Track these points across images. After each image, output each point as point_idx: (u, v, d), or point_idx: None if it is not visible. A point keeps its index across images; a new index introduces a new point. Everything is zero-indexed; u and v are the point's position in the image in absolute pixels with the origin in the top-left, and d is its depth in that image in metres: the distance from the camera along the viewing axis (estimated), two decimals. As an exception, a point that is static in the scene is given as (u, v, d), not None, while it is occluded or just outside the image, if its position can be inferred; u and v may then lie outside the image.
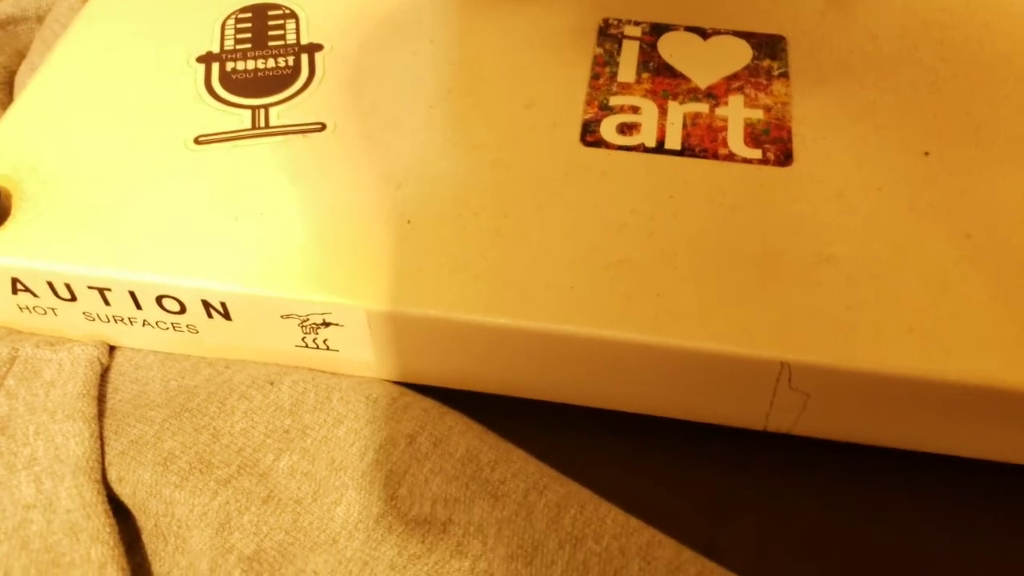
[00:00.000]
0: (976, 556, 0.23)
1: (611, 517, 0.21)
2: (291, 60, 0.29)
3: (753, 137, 0.26)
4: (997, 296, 0.23)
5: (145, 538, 0.23)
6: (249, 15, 0.30)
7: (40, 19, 0.36)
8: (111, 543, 0.21)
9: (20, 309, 0.25)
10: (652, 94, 0.28)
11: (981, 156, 0.26)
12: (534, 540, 0.21)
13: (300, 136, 0.27)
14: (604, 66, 0.29)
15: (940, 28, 0.30)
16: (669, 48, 0.29)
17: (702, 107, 0.27)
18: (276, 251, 0.24)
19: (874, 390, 0.22)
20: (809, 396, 0.23)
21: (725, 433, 0.24)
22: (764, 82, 0.28)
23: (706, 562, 0.21)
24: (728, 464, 0.25)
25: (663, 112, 0.27)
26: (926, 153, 0.26)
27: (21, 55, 0.36)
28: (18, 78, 0.34)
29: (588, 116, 0.27)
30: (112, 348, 0.26)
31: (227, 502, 0.22)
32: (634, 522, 0.21)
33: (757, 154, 0.26)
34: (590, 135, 0.27)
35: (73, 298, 0.24)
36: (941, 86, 0.28)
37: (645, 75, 0.28)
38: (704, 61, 0.29)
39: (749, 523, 0.23)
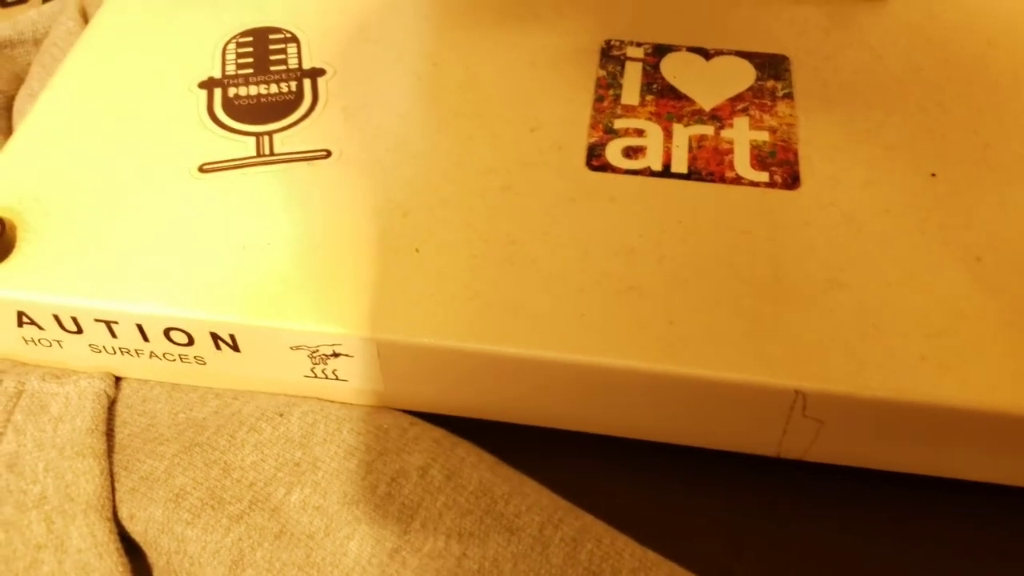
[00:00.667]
0: (991, 580, 0.23)
1: (628, 551, 0.21)
2: (293, 85, 0.29)
3: (760, 160, 0.26)
4: (1012, 321, 0.23)
5: None
6: (250, 39, 0.30)
7: (37, 42, 0.36)
8: (123, 583, 0.21)
9: (25, 342, 0.25)
10: (656, 116, 0.28)
11: (990, 176, 0.26)
12: (550, 575, 0.21)
13: (305, 163, 0.26)
14: (608, 88, 0.29)
15: (945, 46, 0.30)
16: (672, 69, 0.29)
17: (707, 129, 0.27)
18: (285, 281, 0.24)
19: (888, 417, 0.22)
20: (823, 423, 0.23)
21: (738, 460, 0.24)
22: (769, 103, 0.28)
23: (725, 595, 0.21)
24: (742, 491, 0.24)
25: (668, 135, 0.27)
26: (933, 174, 0.26)
27: (18, 79, 0.36)
28: (17, 104, 0.33)
29: (593, 139, 0.27)
30: (118, 379, 0.26)
31: (240, 539, 0.22)
32: (651, 556, 0.21)
33: (764, 177, 0.26)
34: (596, 159, 0.27)
35: (79, 331, 0.24)
36: (948, 105, 0.28)
37: (649, 97, 0.28)
38: (708, 82, 0.29)
39: (764, 551, 0.23)
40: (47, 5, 0.37)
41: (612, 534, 0.22)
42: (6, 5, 0.42)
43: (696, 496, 0.24)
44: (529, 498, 0.22)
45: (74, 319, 0.24)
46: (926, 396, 0.22)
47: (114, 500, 0.22)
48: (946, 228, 0.25)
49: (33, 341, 0.25)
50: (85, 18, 0.35)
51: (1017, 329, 0.22)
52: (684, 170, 0.26)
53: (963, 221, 0.25)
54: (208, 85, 0.29)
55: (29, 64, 0.36)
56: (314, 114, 0.28)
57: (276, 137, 0.27)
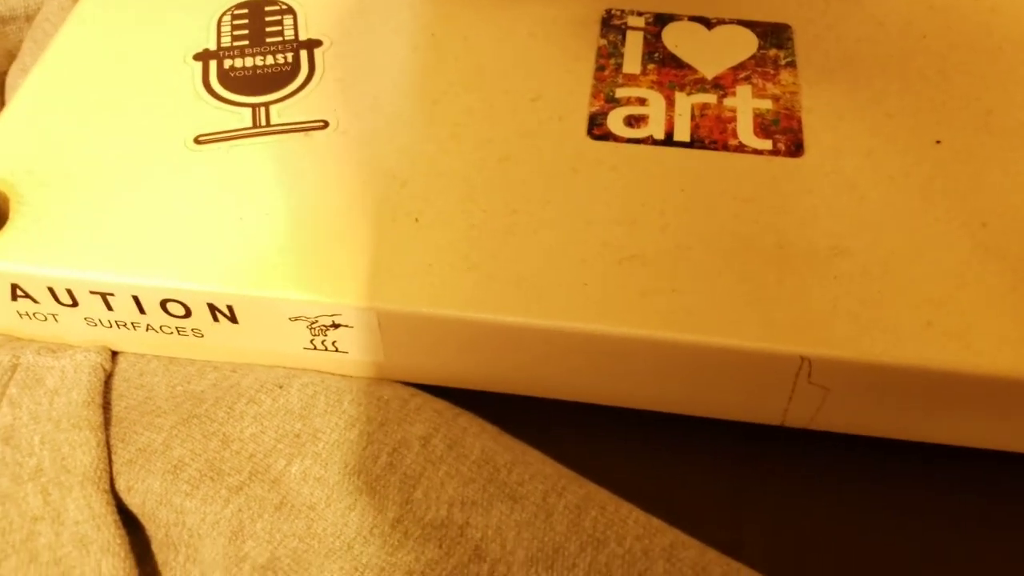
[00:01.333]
0: (996, 550, 0.23)
1: (633, 518, 0.21)
2: (290, 57, 0.28)
3: (763, 128, 0.26)
4: (1016, 287, 0.22)
5: (155, 548, 0.22)
6: (246, 11, 0.30)
7: (29, 19, 0.36)
8: (122, 555, 0.21)
9: (20, 316, 0.25)
10: (659, 85, 0.27)
11: (993, 143, 0.26)
12: (554, 543, 0.21)
13: (302, 134, 0.26)
14: (609, 58, 0.28)
15: (947, 13, 0.29)
16: (674, 38, 0.29)
17: (710, 98, 0.27)
18: (283, 252, 0.23)
19: (894, 383, 0.22)
20: (828, 390, 0.22)
21: (742, 429, 0.24)
22: (771, 71, 0.28)
23: (731, 562, 0.21)
24: (746, 461, 0.24)
25: (670, 104, 0.27)
26: (938, 141, 0.26)
27: (11, 55, 0.35)
28: (9, 79, 0.33)
29: (594, 109, 0.27)
30: (114, 353, 0.25)
31: (239, 510, 0.21)
32: (656, 522, 0.21)
33: (768, 145, 0.26)
34: (597, 128, 0.26)
35: (75, 304, 0.24)
36: (950, 73, 0.28)
37: (651, 66, 0.28)
38: (710, 51, 0.28)
39: (769, 521, 0.23)
40: (39, -19, 0.36)
41: (616, 501, 0.21)
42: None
43: (700, 466, 0.24)
44: (532, 467, 0.22)
45: (69, 292, 0.24)
46: (931, 362, 0.21)
47: (111, 472, 0.22)
48: (950, 195, 0.25)
49: (28, 315, 0.25)
50: (77, -7, 0.34)
51: (1021, 294, 0.22)
52: (687, 138, 0.26)
53: (967, 187, 0.25)
54: (203, 57, 0.28)
55: (21, 41, 0.35)
56: (311, 85, 0.28)
57: (272, 108, 0.27)
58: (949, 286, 0.23)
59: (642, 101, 0.27)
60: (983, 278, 0.23)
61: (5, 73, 0.34)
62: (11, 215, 0.24)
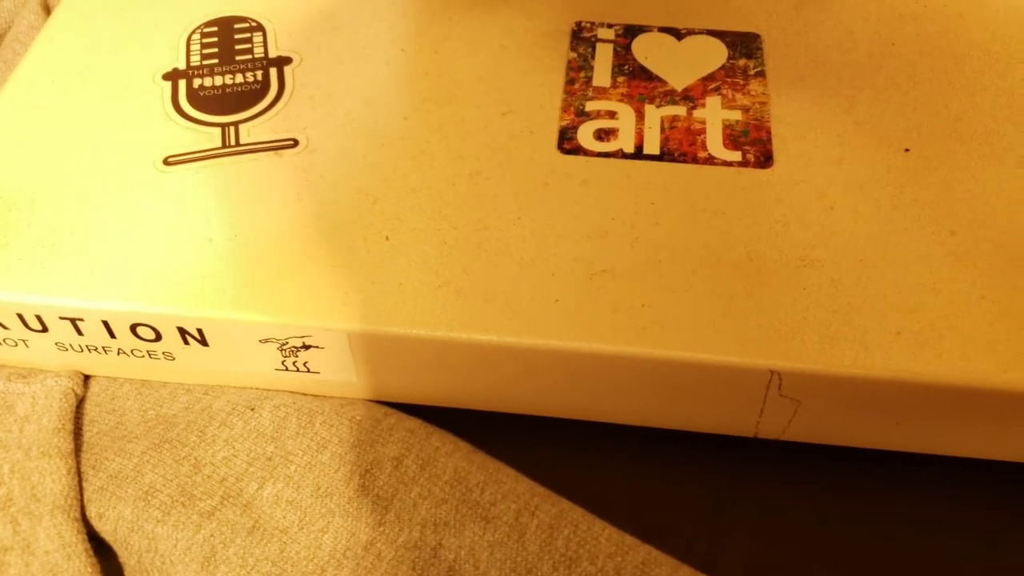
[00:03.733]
0: (970, 554, 0.23)
1: (605, 536, 0.21)
2: (259, 75, 0.28)
3: (732, 139, 0.26)
4: (985, 295, 0.22)
5: (128, 575, 0.22)
6: (215, 29, 0.30)
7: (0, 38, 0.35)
8: (93, 583, 0.21)
9: (-10, 342, 0.25)
10: (628, 98, 0.27)
11: (961, 150, 0.26)
12: (527, 563, 0.21)
13: (272, 153, 0.26)
14: (579, 71, 0.28)
15: (916, 21, 0.29)
16: (644, 50, 0.29)
17: (679, 110, 0.27)
18: (252, 274, 0.23)
19: (865, 394, 0.22)
20: (800, 402, 0.22)
21: (717, 442, 0.24)
22: (741, 82, 0.28)
23: (703, 578, 0.21)
24: (723, 473, 0.24)
25: (640, 116, 0.27)
26: (907, 149, 0.26)
27: (-19, 75, 0.35)
28: (-21, 100, 0.33)
29: (565, 123, 0.27)
30: (87, 377, 0.25)
31: (211, 535, 0.21)
32: (629, 540, 0.21)
33: (737, 156, 0.26)
34: (567, 142, 0.26)
35: (44, 329, 0.24)
36: (919, 80, 0.28)
37: (620, 79, 0.28)
38: (679, 62, 0.29)
39: (745, 534, 0.23)
40: (9, 0, 0.36)
41: (589, 519, 0.21)
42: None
43: (675, 479, 0.24)
44: (505, 486, 0.22)
45: (38, 317, 0.23)
46: (902, 372, 0.21)
47: (82, 500, 0.22)
48: (919, 203, 0.25)
49: (-2, 341, 0.25)
50: (48, 11, 0.34)
51: (991, 302, 0.22)
52: (656, 151, 0.26)
53: (936, 196, 0.25)
54: (172, 76, 0.28)
55: (-8, 60, 0.35)
56: (280, 103, 0.27)
57: (242, 127, 0.27)
58: (918, 295, 0.23)
59: (612, 114, 0.27)
60: (952, 287, 0.23)
61: (-25, 94, 0.34)
62: (-22, 241, 0.24)
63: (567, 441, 0.25)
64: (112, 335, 0.24)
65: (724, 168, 0.25)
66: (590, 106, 0.27)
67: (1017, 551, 0.23)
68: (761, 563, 0.23)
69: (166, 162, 0.26)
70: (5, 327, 0.24)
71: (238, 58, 0.29)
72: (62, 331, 0.24)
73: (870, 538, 0.23)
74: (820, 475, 0.24)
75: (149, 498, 0.22)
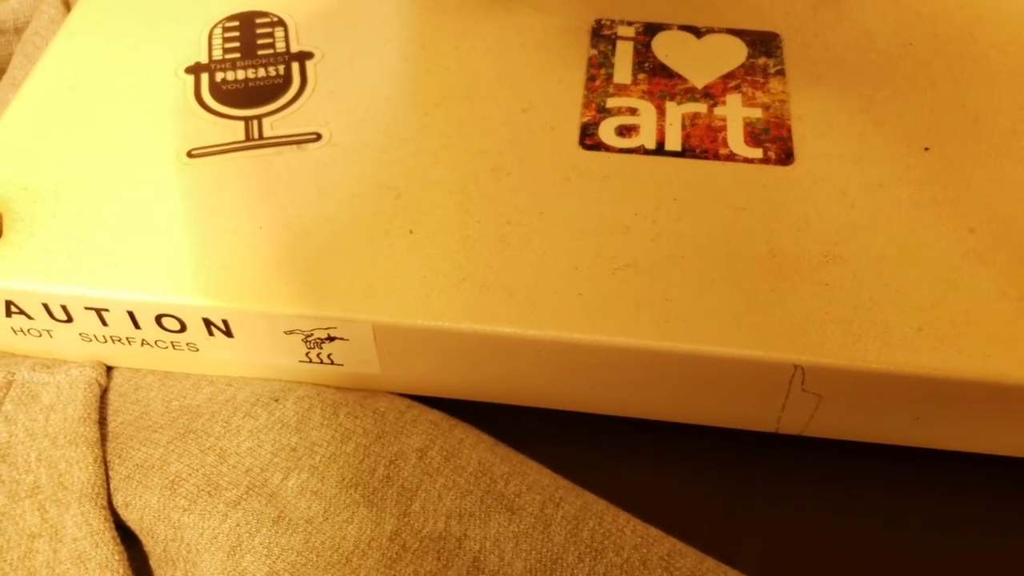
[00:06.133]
0: (987, 550, 0.23)
1: (630, 528, 0.21)
2: (281, 69, 0.28)
3: (753, 136, 0.26)
4: (1005, 292, 0.23)
5: (153, 564, 0.22)
6: (236, 23, 0.30)
7: (18, 31, 0.36)
8: (120, 571, 0.21)
9: (14, 332, 0.25)
10: (649, 95, 0.28)
11: (980, 149, 0.26)
12: (552, 554, 0.21)
13: (295, 147, 0.26)
14: (599, 68, 0.28)
15: (933, 21, 0.30)
16: (664, 48, 0.29)
17: (700, 107, 0.27)
18: (278, 265, 0.23)
19: (886, 389, 0.22)
20: (821, 397, 0.22)
21: (736, 438, 0.24)
22: (761, 80, 0.28)
23: (728, 570, 0.21)
24: (742, 468, 0.24)
25: (661, 113, 0.27)
26: (926, 148, 0.26)
27: (0, 69, 0.35)
28: (-1, 93, 0.33)
29: (586, 119, 0.27)
30: (109, 368, 0.25)
31: (237, 524, 0.21)
32: (653, 532, 0.21)
33: (758, 153, 0.26)
34: (589, 138, 0.26)
35: (69, 319, 0.24)
36: (937, 80, 0.28)
37: (641, 76, 0.28)
38: (699, 60, 0.29)
39: (761, 529, 0.23)
40: (28, -6, 0.36)
41: (613, 511, 0.22)
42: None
43: (696, 474, 0.24)
44: (529, 477, 0.22)
45: (64, 307, 0.24)
46: (923, 367, 0.22)
47: (108, 488, 0.22)
48: (938, 201, 0.25)
49: (22, 331, 0.25)
50: (67, 6, 0.34)
51: (1010, 299, 0.23)
52: (678, 148, 0.26)
53: (955, 194, 0.25)
54: (195, 70, 0.28)
55: (11, 54, 0.35)
56: (303, 97, 0.28)
57: (265, 121, 0.27)
58: (939, 291, 0.23)
59: (633, 111, 0.27)
60: (972, 283, 0.23)
61: (-5, 87, 0.34)
62: (5, 231, 0.24)
63: (585, 435, 0.25)
64: (137, 326, 0.24)
65: (745, 165, 0.26)
66: (611, 103, 0.27)
67: (1035, 547, 0.23)
68: (776, 558, 0.23)
69: (190, 155, 0.26)
70: (30, 317, 0.24)
71: (260, 52, 0.29)
72: (87, 321, 0.24)
73: (885, 534, 0.24)
74: (836, 471, 0.25)
75: (175, 487, 0.22)
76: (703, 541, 0.22)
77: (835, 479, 0.24)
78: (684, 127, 0.27)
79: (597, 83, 0.28)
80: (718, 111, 0.27)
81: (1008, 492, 0.24)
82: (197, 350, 0.24)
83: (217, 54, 0.29)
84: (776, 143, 0.26)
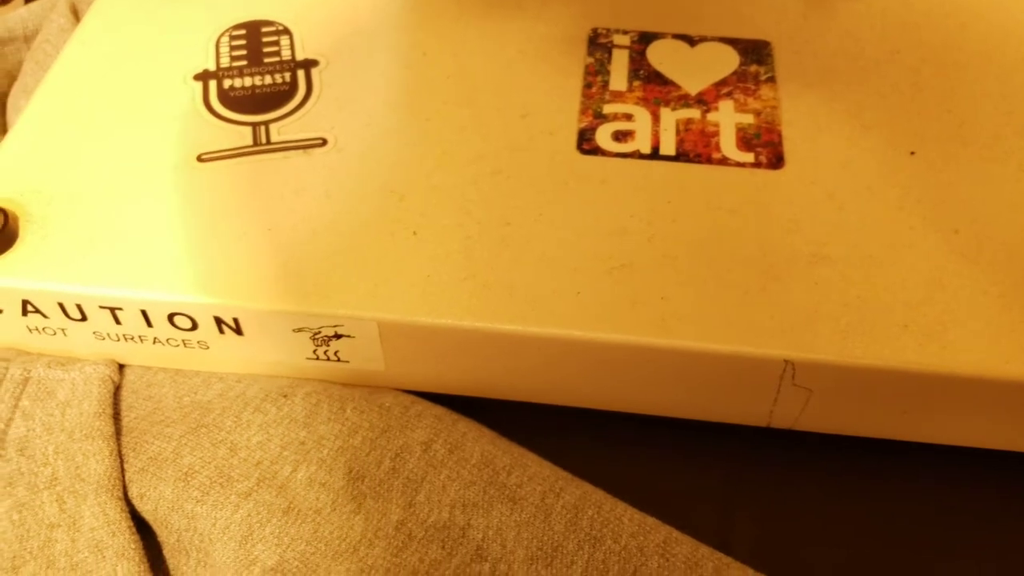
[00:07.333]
0: (975, 541, 0.24)
1: (628, 516, 0.22)
2: (287, 76, 0.29)
3: (745, 141, 0.27)
4: (988, 290, 0.24)
5: (167, 553, 0.23)
6: (243, 32, 0.31)
7: (28, 39, 0.36)
8: (136, 559, 0.22)
9: (29, 330, 0.26)
10: (644, 101, 0.29)
11: (965, 153, 0.27)
12: (553, 541, 0.22)
13: (302, 152, 0.27)
14: (596, 75, 0.29)
15: (920, 30, 0.31)
16: (658, 56, 0.30)
17: (694, 113, 0.28)
18: (287, 266, 0.24)
19: (874, 384, 0.23)
20: (812, 392, 0.23)
21: (730, 431, 0.25)
22: (752, 87, 0.29)
23: (722, 557, 0.21)
24: (736, 460, 0.25)
25: (656, 119, 0.28)
26: (912, 152, 0.27)
27: (10, 76, 0.36)
28: (11, 100, 0.34)
29: (583, 124, 0.28)
30: (121, 366, 0.26)
31: (248, 515, 0.22)
32: (650, 520, 0.22)
33: (750, 158, 0.27)
34: (586, 143, 0.27)
35: (84, 318, 0.25)
36: (923, 86, 0.29)
37: (636, 83, 0.29)
38: (693, 68, 0.30)
39: (757, 517, 0.24)
40: (36, 3, 0.37)
41: (612, 501, 0.22)
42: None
43: (690, 466, 0.25)
44: (530, 469, 0.23)
45: (79, 307, 0.24)
46: (909, 363, 0.22)
47: (123, 480, 0.23)
48: (924, 203, 0.26)
49: (37, 330, 0.25)
50: (76, 15, 0.35)
51: (993, 297, 0.23)
52: (672, 152, 0.27)
53: (941, 196, 0.26)
54: (203, 77, 0.29)
55: (20, 61, 0.36)
56: (308, 104, 0.28)
57: (272, 127, 0.28)
58: (924, 290, 0.24)
59: (629, 117, 0.28)
60: (957, 282, 0.24)
61: (5, 94, 0.35)
62: (20, 233, 0.25)
63: (584, 429, 0.26)
64: (149, 324, 0.25)
65: (738, 169, 0.27)
66: (607, 109, 0.28)
67: (1021, 540, 0.24)
68: (769, 544, 0.24)
69: (199, 159, 0.27)
70: (46, 316, 0.25)
71: (266, 60, 0.30)
72: (101, 320, 0.25)
73: (875, 522, 0.24)
74: (827, 463, 0.25)
75: (188, 479, 0.23)
76: (698, 529, 0.23)
77: (826, 470, 0.25)
78: (678, 132, 0.27)
79: (594, 90, 0.29)
80: (711, 117, 0.28)
81: (991, 483, 0.25)
82: (208, 348, 0.25)
83: (225, 62, 0.30)
84: (767, 148, 0.27)
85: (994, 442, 0.24)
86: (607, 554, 0.21)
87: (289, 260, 0.24)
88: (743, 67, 0.29)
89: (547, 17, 0.31)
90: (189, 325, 0.24)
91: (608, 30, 0.31)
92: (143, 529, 0.23)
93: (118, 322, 0.25)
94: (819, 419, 0.24)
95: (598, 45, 0.30)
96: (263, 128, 0.28)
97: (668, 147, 0.27)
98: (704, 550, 0.22)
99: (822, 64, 0.30)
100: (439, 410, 0.24)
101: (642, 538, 0.21)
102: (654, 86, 0.29)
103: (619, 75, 0.29)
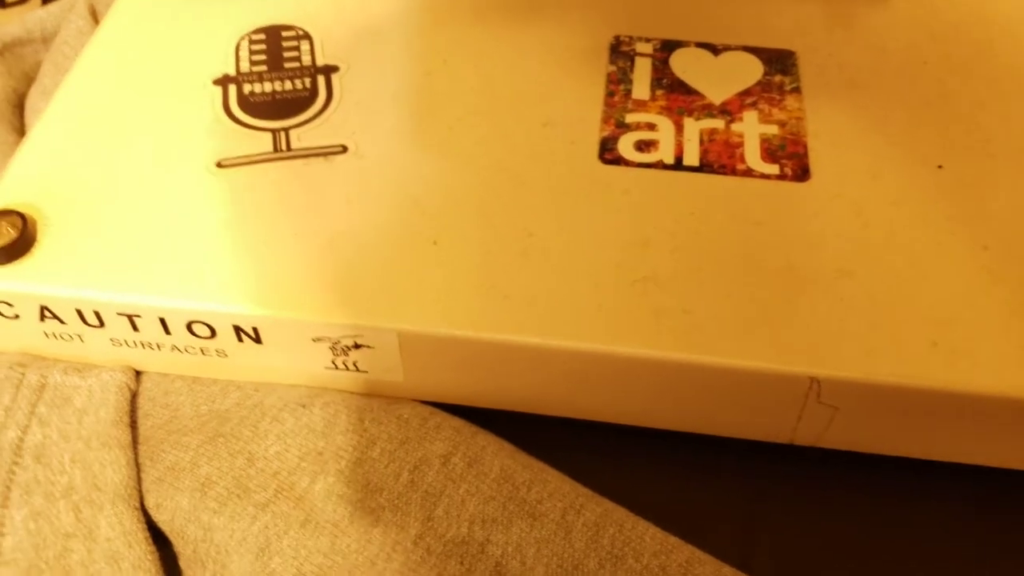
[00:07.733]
0: (1000, 562, 0.24)
1: (650, 535, 0.22)
2: (308, 82, 0.29)
3: (770, 152, 0.27)
4: (1018, 308, 0.23)
5: (183, 564, 0.23)
6: (263, 36, 0.31)
7: (46, 41, 0.36)
8: (153, 571, 0.21)
9: (47, 336, 0.25)
10: (667, 111, 0.28)
11: (993, 167, 0.27)
12: (574, 559, 0.21)
13: (323, 158, 0.27)
14: (618, 84, 0.29)
15: (947, 41, 0.30)
16: (681, 64, 0.30)
17: (718, 123, 0.28)
18: (306, 274, 0.24)
19: (900, 402, 0.23)
20: (837, 410, 0.23)
21: (753, 447, 0.25)
22: (777, 97, 0.29)
23: (746, 577, 0.21)
24: (758, 478, 0.25)
25: (679, 129, 0.28)
26: (940, 166, 0.27)
27: (28, 77, 0.36)
28: (29, 102, 0.34)
29: (605, 134, 0.28)
30: (138, 373, 0.26)
31: (266, 526, 0.22)
32: (672, 539, 0.22)
33: (775, 169, 0.26)
34: (608, 153, 0.27)
35: (101, 324, 0.25)
36: (951, 98, 0.28)
37: (659, 92, 0.29)
38: (717, 77, 0.29)
39: (779, 536, 0.24)
40: (55, 4, 0.37)
41: (633, 519, 0.22)
42: (6, 6, 0.42)
43: (713, 483, 0.25)
44: (551, 484, 0.23)
45: (96, 313, 0.24)
46: (937, 381, 0.22)
47: (140, 490, 0.23)
48: (953, 219, 0.25)
49: (54, 335, 0.25)
50: (95, 17, 0.35)
51: (1023, 316, 0.23)
52: (696, 163, 0.27)
53: (969, 212, 0.26)
54: (223, 82, 0.29)
55: (38, 63, 0.36)
56: (329, 110, 0.28)
57: (292, 133, 0.28)
58: (953, 307, 0.23)
59: (651, 126, 0.28)
60: (985, 300, 0.23)
61: (23, 95, 0.35)
62: (39, 238, 0.25)
63: (604, 445, 0.26)
64: (167, 331, 0.24)
65: (762, 180, 0.26)
66: (630, 118, 0.28)
67: (1044, 559, 0.24)
68: (792, 566, 0.24)
69: (220, 165, 0.27)
70: (63, 322, 0.25)
71: (287, 65, 0.30)
72: (118, 327, 0.25)
73: (901, 545, 0.24)
74: (851, 481, 0.25)
75: (205, 489, 0.23)
76: (720, 549, 0.22)
77: (850, 489, 0.25)
78: (702, 143, 0.27)
79: (616, 99, 0.29)
80: (735, 127, 0.28)
81: (1018, 505, 0.24)
82: (226, 356, 0.25)
83: (245, 67, 0.30)
84: (792, 159, 0.27)
85: (1022, 463, 0.24)
86: (628, 573, 0.21)
87: (309, 269, 0.24)
88: (767, 77, 0.29)
89: (569, 24, 0.31)
90: (208, 333, 0.24)
91: (631, 38, 0.31)
92: (159, 540, 0.23)
93: (136, 329, 0.25)
94: (844, 437, 0.24)
95: (620, 53, 0.30)
96: (283, 134, 0.27)
97: (692, 157, 0.27)
98: (727, 571, 0.21)
99: (848, 75, 0.29)
100: (457, 422, 0.24)
101: (664, 557, 0.21)
102: (677, 95, 0.29)
103: (642, 84, 0.29)
